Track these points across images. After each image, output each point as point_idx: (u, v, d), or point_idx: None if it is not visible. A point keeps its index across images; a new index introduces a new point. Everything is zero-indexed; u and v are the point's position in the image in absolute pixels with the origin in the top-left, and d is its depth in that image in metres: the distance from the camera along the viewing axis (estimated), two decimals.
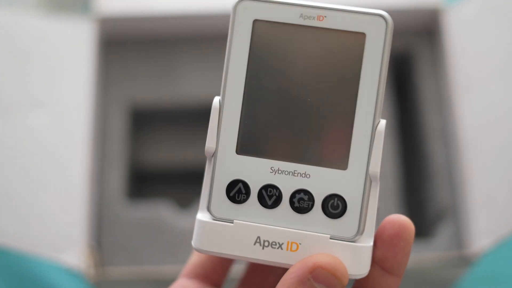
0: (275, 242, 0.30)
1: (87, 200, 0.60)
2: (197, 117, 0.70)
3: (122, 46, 0.68)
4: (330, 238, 0.30)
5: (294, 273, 0.29)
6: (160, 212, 0.62)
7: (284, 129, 0.31)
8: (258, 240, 0.30)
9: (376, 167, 0.30)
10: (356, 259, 0.30)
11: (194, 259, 0.36)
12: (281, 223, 0.30)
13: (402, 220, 0.31)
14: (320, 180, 0.30)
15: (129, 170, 0.67)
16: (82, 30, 0.65)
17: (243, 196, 0.31)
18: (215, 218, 0.31)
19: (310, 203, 0.30)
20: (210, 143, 0.31)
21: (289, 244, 0.30)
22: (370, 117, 0.30)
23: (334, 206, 0.30)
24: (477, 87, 0.63)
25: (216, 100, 0.31)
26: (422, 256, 0.60)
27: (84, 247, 0.59)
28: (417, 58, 0.68)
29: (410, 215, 0.66)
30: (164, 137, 0.70)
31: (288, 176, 0.31)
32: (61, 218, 0.59)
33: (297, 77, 0.31)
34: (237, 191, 0.31)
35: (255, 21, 0.30)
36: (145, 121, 0.70)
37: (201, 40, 0.69)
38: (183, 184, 0.70)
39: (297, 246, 0.30)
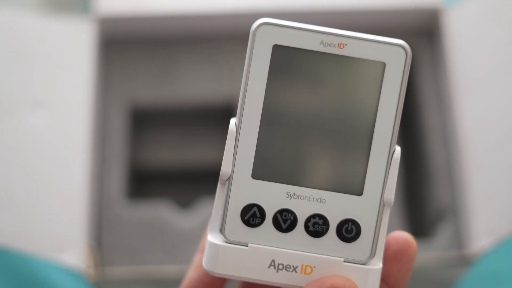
0: (290, 265, 0.31)
1: (87, 200, 0.60)
2: (197, 117, 0.70)
3: (122, 46, 0.68)
4: (344, 262, 0.31)
5: None
6: (160, 212, 0.62)
7: (300, 154, 0.31)
8: (272, 263, 0.31)
9: (391, 193, 0.31)
10: (368, 282, 0.31)
11: (192, 274, 0.36)
12: (295, 246, 0.31)
13: (406, 236, 0.32)
14: (336, 205, 0.31)
15: (129, 170, 0.67)
16: (82, 30, 0.65)
17: (258, 220, 0.31)
18: (228, 241, 0.31)
19: (325, 227, 0.31)
20: (226, 167, 0.30)
21: (304, 267, 0.31)
22: (387, 144, 0.31)
23: (349, 231, 0.31)
24: (477, 87, 0.63)
25: (232, 123, 0.31)
26: (422, 256, 0.60)
27: (84, 247, 0.59)
28: (417, 58, 0.68)
29: (410, 215, 0.67)
30: (164, 137, 0.70)
31: (304, 201, 0.31)
32: (61, 218, 0.59)
33: (315, 104, 0.31)
34: (251, 215, 0.31)
35: (274, 46, 0.30)
36: (145, 121, 0.70)
37: (201, 40, 0.69)
38: (183, 184, 0.70)
39: (311, 269, 0.31)
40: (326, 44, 0.30)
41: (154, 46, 0.69)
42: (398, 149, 0.31)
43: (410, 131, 0.69)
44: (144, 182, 0.71)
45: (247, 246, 0.31)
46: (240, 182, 0.30)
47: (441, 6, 0.66)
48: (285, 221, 0.31)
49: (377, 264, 0.31)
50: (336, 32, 0.30)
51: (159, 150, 0.70)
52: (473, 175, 0.61)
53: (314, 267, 0.31)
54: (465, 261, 0.60)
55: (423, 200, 0.66)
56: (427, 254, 0.60)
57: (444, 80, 0.65)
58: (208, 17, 0.67)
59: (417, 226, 0.66)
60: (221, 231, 0.31)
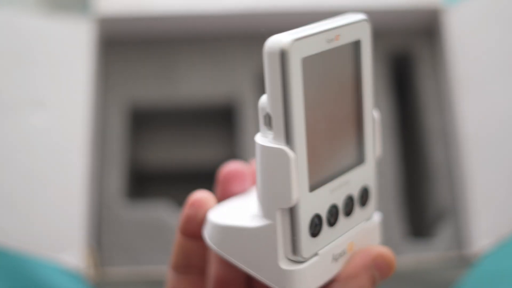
0: (342, 251, 0.33)
1: (86, 200, 0.60)
2: (196, 117, 0.70)
3: (122, 46, 0.68)
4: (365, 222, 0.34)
5: (361, 259, 0.32)
6: (160, 212, 0.62)
7: (332, 150, 0.32)
8: (333, 257, 0.32)
9: (380, 150, 0.34)
10: (379, 231, 0.35)
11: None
12: (340, 231, 0.33)
13: None
14: (355, 180, 0.33)
15: (129, 170, 0.66)
16: (82, 30, 0.65)
17: (319, 227, 0.31)
18: (304, 260, 0.31)
19: (352, 203, 0.33)
20: (295, 194, 0.30)
21: (348, 246, 0.33)
22: (371, 110, 0.33)
23: (364, 197, 0.34)
24: (477, 87, 0.63)
25: (288, 151, 0.29)
26: (422, 256, 0.60)
27: (84, 247, 0.59)
28: (417, 58, 0.68)
29: (410, 215, 0.66)
30: (164, 137, 0.70)
31: (340, 190, 0.32)
32: (61, 218, 0.59)
33: (333, 99, 0.31)
34: (315, 226, 0.31)
35: (303, 59, 0.29)
36: (145, 121, 0.70)
37: (201, 40, 0.68)
38: (183, 184, 0.70)
39: (353, 244, 0.33)
40: (330, 40, 0.31)
41: (154, 46, 0.69)
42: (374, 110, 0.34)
43: (410, 131, 0.69)
44: (144, 182, 0.71)
45: (317, 254, 0.32)
46: (302, 201, 0.30)
47: (441, 6, 0.66)
48: (331, 215, 0.32)
49: (376, 213, 0.35)
50: (331, 26, 0.31)
51: (159, 150, 0.70)
52: (473, 175, 0.61)
53: (353, 241, 0.33)
54: (465, 261, 0.59)
55: (423, 200, 0.66)
56: (428, 254, 0.60)
57: (444, 80, 0.65)
58: (208, 17, 0.67)
59: (418, 226, 0.66)
60: (295, 253, 0.31)
